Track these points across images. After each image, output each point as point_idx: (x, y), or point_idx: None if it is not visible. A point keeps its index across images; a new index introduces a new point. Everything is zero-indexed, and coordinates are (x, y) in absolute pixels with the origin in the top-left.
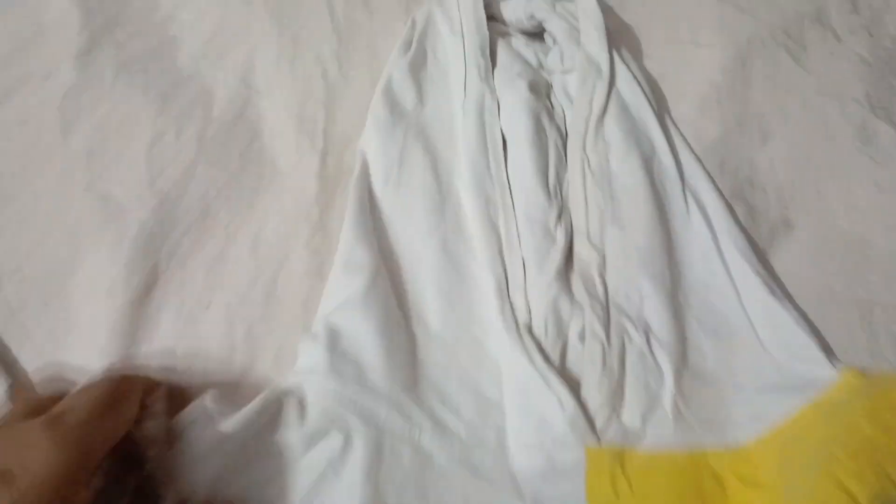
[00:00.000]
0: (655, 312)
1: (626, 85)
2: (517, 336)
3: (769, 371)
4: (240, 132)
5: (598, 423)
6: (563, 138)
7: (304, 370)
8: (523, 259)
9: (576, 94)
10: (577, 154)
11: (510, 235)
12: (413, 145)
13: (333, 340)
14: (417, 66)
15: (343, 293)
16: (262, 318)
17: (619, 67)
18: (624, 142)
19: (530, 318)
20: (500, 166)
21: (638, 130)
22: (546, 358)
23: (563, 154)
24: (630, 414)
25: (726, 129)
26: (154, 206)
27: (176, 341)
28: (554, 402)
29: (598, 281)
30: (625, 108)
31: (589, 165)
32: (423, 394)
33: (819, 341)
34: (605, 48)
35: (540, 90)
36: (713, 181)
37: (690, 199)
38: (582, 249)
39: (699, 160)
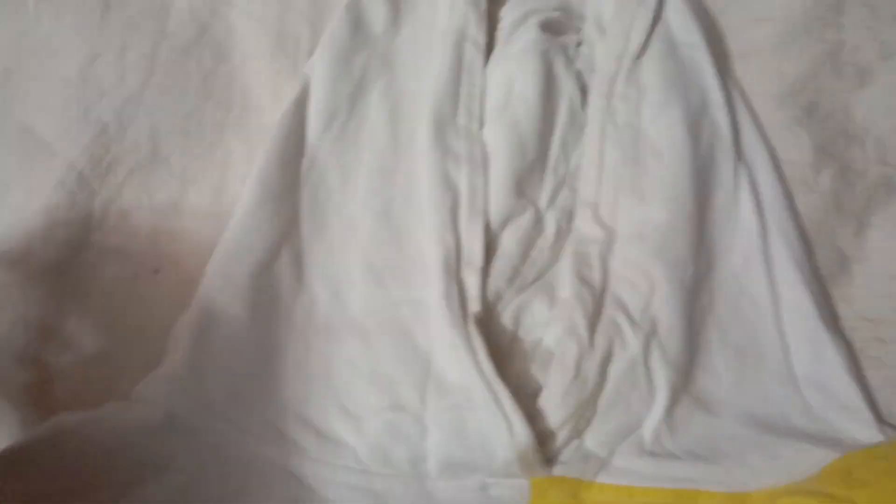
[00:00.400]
0: (666, 310)
1: (679, 17)
2: (462, 330)
3: (798, 415)
4: (202, 52)
5: (555, 442)
6: (584, 90)
7: (162, 377)
8: (492, 229)
9: (609, 24)
10: (600, 102)
11: (474, 196)
12: (373, 82)
13: (205, 335)
14: None
15: (230, 270)
16: None
17: None
18: (664, 90)
19: (488, 308)
20: (471, 114)
21: (687, 77)
22: (495, 366)
23: (578, 109)
24: (597, 438)
25: (815, 67)
26: (87, 143)
27: (111, 316)
28: (501, 425)
29: (596, 264)
30: (672, 48)
31: (613, 119)
32: (316, 399)
33: (866, 396)
34: None
35: (561, 27)
36: (775, 157)
37: (742, 174)
38: (585, 225)
39: (760, 129)
